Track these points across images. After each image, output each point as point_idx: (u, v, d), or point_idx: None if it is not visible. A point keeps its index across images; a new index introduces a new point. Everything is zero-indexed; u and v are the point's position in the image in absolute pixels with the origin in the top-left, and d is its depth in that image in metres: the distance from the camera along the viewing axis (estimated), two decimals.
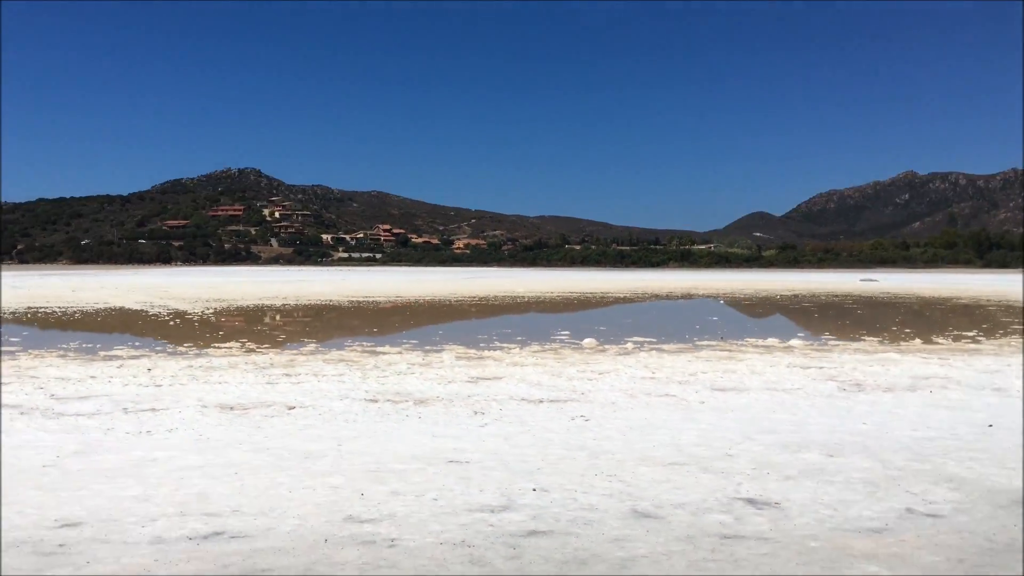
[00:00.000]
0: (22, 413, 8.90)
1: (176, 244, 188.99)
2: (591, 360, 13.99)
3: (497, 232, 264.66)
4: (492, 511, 5.44)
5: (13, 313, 26.21)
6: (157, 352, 15.21)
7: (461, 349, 15.74)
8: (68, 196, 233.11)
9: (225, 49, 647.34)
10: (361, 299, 37.41)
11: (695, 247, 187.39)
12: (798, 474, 6.41)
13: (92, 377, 11.67)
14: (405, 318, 26.94)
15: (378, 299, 37.62)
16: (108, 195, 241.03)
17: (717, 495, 5.80)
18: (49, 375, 11.88)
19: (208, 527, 5.10)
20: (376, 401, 9.81)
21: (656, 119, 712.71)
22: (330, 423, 8.48)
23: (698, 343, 17.12)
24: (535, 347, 16.22)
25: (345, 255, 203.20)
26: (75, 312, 26.83)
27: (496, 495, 5.81)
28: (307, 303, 33.71)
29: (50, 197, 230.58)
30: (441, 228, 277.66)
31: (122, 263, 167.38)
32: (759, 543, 4.83)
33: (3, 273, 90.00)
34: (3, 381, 11.24)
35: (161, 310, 27.78)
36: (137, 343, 16.95)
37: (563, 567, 4.45)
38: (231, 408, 9.29)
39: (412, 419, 8.73)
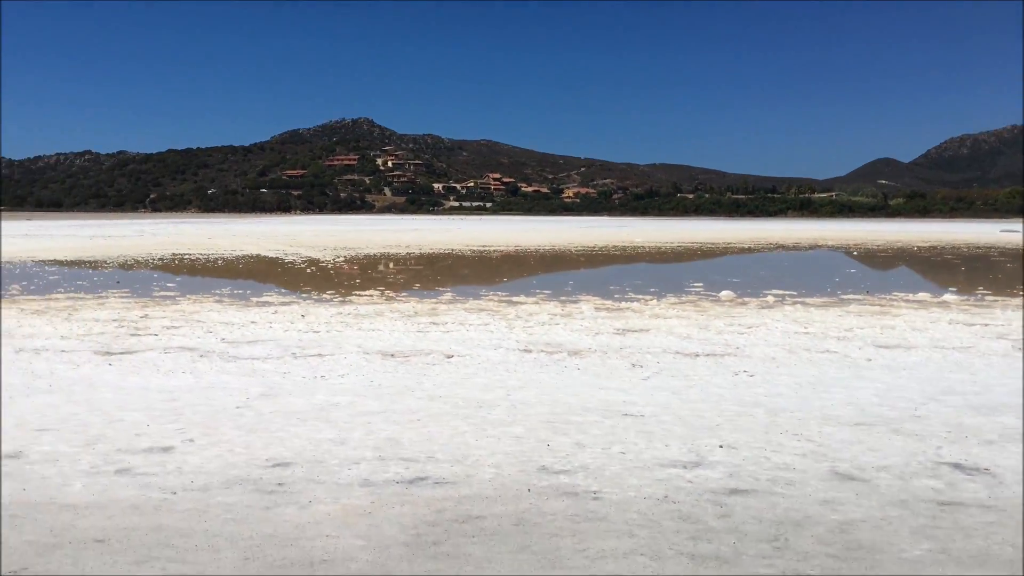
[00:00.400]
0: (201, 356, 9.39)
1: (295, 193, 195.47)
2: (735, 313, 13.67)
3: (607, 180, 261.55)
4: (684, 467, 5.38)
5: (161, 259, 27.72)
6: (304, 299, 15.77)
7: (597, 300, 15.66)
8: (195, 147, 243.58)
9: (336, 2, 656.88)
10: (480, 248, 37.79)
11: (815, 195, 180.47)
12: (999, 439, 6.07)
13: (252, 323, 12.20)
14: (530, 267, 27.06)
15: (497, 248, 37.91)
16: (231, 146, 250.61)
17: (919, 459, 5.56)
18: (213, 320, 12.49)
19: (410, 472, 5.24)
20: (530, 351, 9.87)
21: (772, 58, 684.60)
22: (492, 372, 8.58)
23: (843, 297, 16.48)
24: (672, 299, 15.98)
25: (456, 204, 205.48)
26: (216, 259, 28.14)
27: (683, 451, 5.74)
28: (429, 252, 34.29)
29: (179, 148, 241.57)
30: (550, 177, 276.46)
31: (245, 211, 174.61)
32: (982, 511, 4.60)
33: (141, 221, 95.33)
34: (173, 325, 11.90)
35: (295, 258, 28.82)
36: (283, 290, 17.63)
37: (778, 528, 4.35)
38: (392, 355, 9.52)
39: (571, 370, 8.74)
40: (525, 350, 9.96)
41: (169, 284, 18.56)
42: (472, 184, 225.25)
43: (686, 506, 4.66)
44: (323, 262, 26.71)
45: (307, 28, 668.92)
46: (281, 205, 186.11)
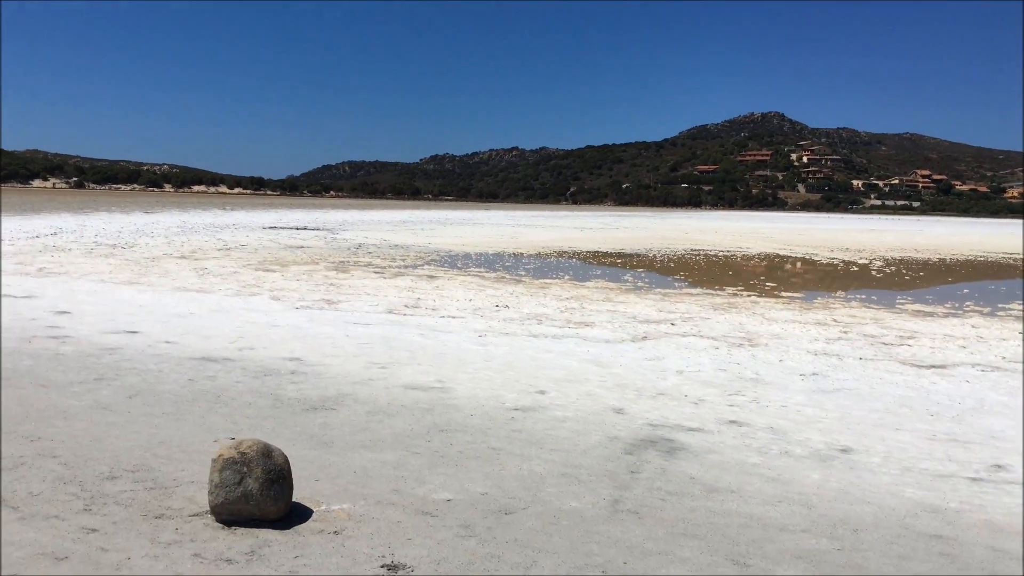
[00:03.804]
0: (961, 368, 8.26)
1: (706, 188, 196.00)
2: None
3: None
4: None
5: (687, 253, 28.08)
6: (947, 313, 14.26)
7: None
8: (610, 143, 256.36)
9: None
10: (984, 253, 33.30)
11: None
12: None
13: (946, 335, 10.96)
14: None
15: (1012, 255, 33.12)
16: (643, 141, 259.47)
17: None
18: (909, 328, 11.49)
19: None
20: None
21: None
22: None
23: None
24: None
25: (877, 202, 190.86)
26: (741, 256, 27.79)
27: None
28: (946, 258, 30.85)
29: (595, 144, 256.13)
30: (989, 174, 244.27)
31: (658, 205, 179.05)
32: None
33: (580, 213, 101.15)
34: (905, 334, 11.07)
35: (822, 259, 27.51)
36: (902, 298, 16.28)
37: None
38: None
39: None
40: None
41: (768, 284, 18.16)
42: (897, 181, 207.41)
43: None
44: (860, 263, 25.03)
45: (711, 26, 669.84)
46: (692, 200, 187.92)
